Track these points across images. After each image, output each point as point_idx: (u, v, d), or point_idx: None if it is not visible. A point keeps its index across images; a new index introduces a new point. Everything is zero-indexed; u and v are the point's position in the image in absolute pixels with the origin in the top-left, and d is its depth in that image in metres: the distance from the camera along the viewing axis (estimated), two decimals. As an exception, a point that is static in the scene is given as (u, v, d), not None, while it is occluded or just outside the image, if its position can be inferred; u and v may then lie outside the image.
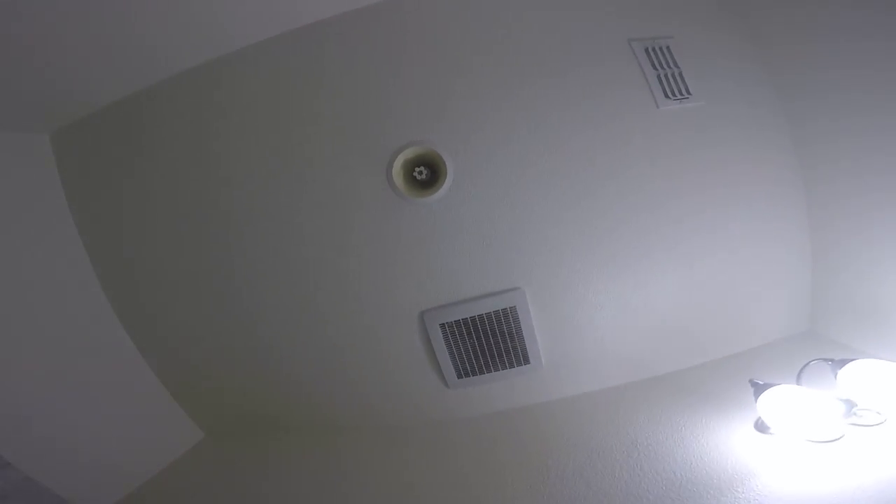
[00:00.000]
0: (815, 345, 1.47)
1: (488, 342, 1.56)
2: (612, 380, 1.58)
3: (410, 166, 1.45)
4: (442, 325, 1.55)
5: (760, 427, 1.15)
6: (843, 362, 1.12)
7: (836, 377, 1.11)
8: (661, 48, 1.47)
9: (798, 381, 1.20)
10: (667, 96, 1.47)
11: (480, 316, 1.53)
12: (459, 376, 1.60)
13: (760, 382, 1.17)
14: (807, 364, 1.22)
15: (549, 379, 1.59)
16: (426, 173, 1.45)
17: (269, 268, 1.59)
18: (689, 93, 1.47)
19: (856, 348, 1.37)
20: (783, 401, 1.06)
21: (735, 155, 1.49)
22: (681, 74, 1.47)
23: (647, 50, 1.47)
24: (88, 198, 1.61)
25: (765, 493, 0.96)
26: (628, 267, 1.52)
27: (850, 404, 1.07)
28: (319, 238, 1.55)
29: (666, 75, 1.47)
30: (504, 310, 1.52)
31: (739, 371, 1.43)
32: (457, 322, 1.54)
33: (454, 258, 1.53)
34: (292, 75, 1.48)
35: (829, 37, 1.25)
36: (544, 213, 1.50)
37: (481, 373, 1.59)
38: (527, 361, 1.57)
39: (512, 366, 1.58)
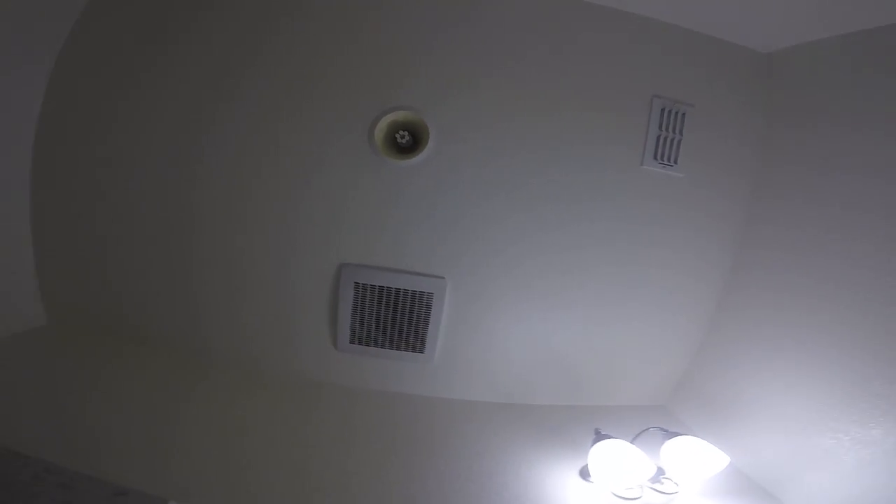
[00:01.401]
0: (664, 417, 1.64)
1: (394, 318, 1.59)
2: (491, 395, 1.67)
3: (396, 128, 1.45)
4: (357, 284, 1.56)
5: (583, 474, 1.27)
6: (671, 435, 1.26)
7: (661, 446, 1.26)
8: (677, 112, 1.53)
9: (633, 441, 1.35)
10: (654, 157, 1.55)
11: (398, 290, 1.56)
12: (352, 341, 1.62)
13: (602, 433, 1.29)
14: (646, 430, 1.37)
15: (436, 375, 1.66)
16: (408, 139, 1.45)
17: (218, 171, 1.52)
18: (675, 162, 1.55)
19: (690, 427, 1.56)
20: (608, 453, 1.19)
21: (682, 237, 1.62)
22: (679, 142, 1.54)
23: (663, 109, 1.53)
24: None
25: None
26: (542, 298, 1.62)
27: (660, 471, 1.22)
28: (283, 167, 1.52)
29: (666, 138, 1.54)
30: (422, 293, 1.56)
31: (597, 421, 1.57)
32: (373, 287, 1.56)
33: (399, 227, 1.54)
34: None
35: (823, 187, 1.35)
36: (493, 217, 1.56)
37: (375, 345, 1.63)
38: (421, 350, 1.63)
39: (407, 349, 1.63)
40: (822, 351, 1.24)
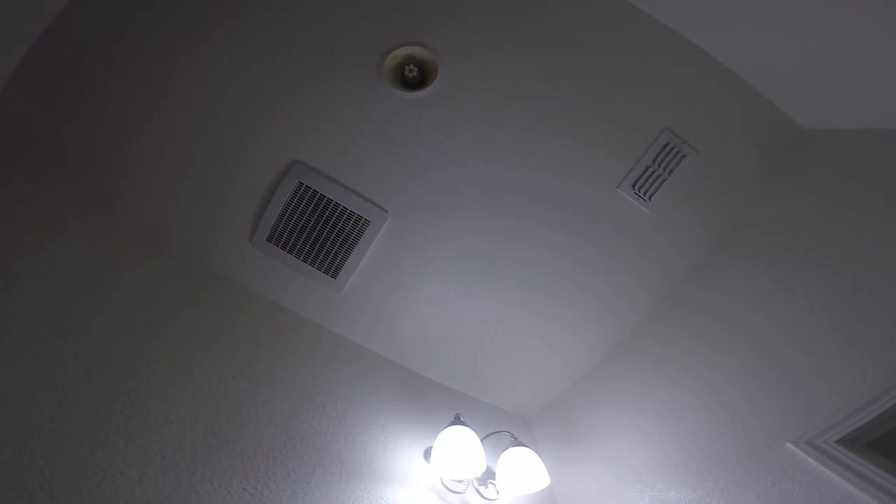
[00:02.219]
0: (523, 428, 1.73)
1: (321, 232, 1.49)
2: (383, 349, 1.66)
3: (409, 62, 1.38)
4: (300, 185, 1.44)
5: (427, 454, 1.30)
6: (516, 443, 1.31)
7: (504, 451, 1.31)
8: (678, 152, 1.44)
9: (483, 438, 1.39)
10: (632, 186, 1.47)
11: (338, 205, 1.46)
12: (269, 239, 1.49)
13: (461, 419, 1.31)
14: (498, 432, 1.42)
15: (338, 308, 1.60)
16: (416, 74, 1.39)
17: None
18: (649, 198, 1.48)
19: (539, 445, 1.68)
20: (453, 439, 1.22)
21: (617, 271, 1.60)
22: (663, 181, 1.47)
23: (666, 144, 1.43)
24: None
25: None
26: (468, 278, 1.58)
27: (489, 474, 1.28)
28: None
29: (653, 172, 1.46)
30: (360, 218, 1.48)
31: (466, 408, 1.62)
32: (315, 192, 1.45)
33: (369, 149, 1.44)
34: None
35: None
36: (459, 181, 1.48)
37: (290, 252, 1.51)
38: (334, 276, 1.54)
39: (321, 269, 1.53)
40: (659, 419, 1.35)
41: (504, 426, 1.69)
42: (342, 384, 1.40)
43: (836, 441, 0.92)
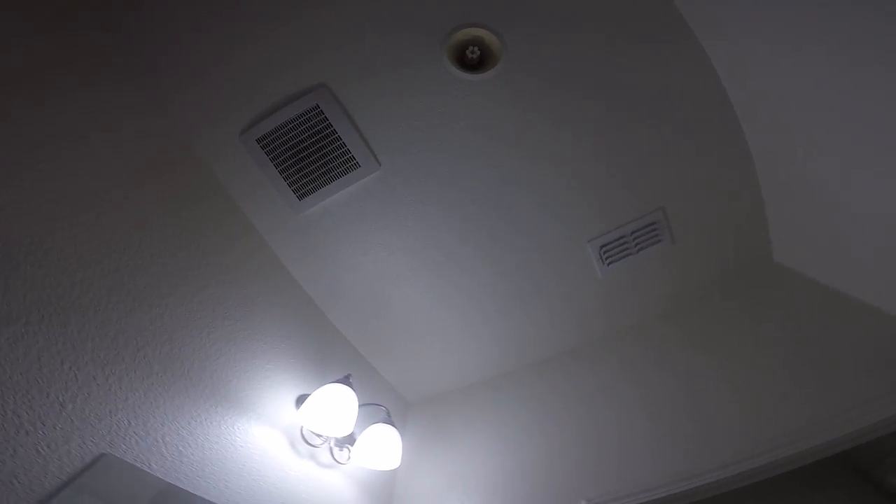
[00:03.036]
0: (403, 409, 1.80)
1: (310, 156, 1.38)
2: (315, 290, 1.61)
3: (475, 43, 1.29)
4: (315, 107, 1.32)
5: (298, 401, 1.30)
6: (387, 420, 1.36)
7: (373, 423, 1.35)
8: (657, 235, 1.49)
9: (361, 405, 1.43)
10: (601, 248, 1.52)
11: (339, 139, 1.37)
12: (259, 141, 1.36)
13: (349, 380, 1.32)
14: (377, 404, 1.47)
15: (289, 231, 1.50)
16: (476, 57, 1.31)
17: None
18: (608, 265, 1.54)
19: (409, 428, 1.75)
20: (329, 395, 1.23)
21: (541, 306, 1.66)
22: (628, 255, 1.52)
23: (653, 223, 1.47)
24: None
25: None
26: (426, 259, 1.57)
27: (350, 439, 1.32)
28: None
29: (625, 243, 1.51)
30: (353, 159, 1.39)
31: (360, 371, 1.63)
32: (325, 119, 1.35)
33: (400, 107, 1.35)
34: None
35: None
36: (462, 169, 1.42)
37: (272, 160, 1.38)
38: (301, 198, 1.43)
39: (291, 186, 1.41)
40: (506, 451, 1.44)
41: (385, 401, 1.75)
42: (252, 305, 1.33)
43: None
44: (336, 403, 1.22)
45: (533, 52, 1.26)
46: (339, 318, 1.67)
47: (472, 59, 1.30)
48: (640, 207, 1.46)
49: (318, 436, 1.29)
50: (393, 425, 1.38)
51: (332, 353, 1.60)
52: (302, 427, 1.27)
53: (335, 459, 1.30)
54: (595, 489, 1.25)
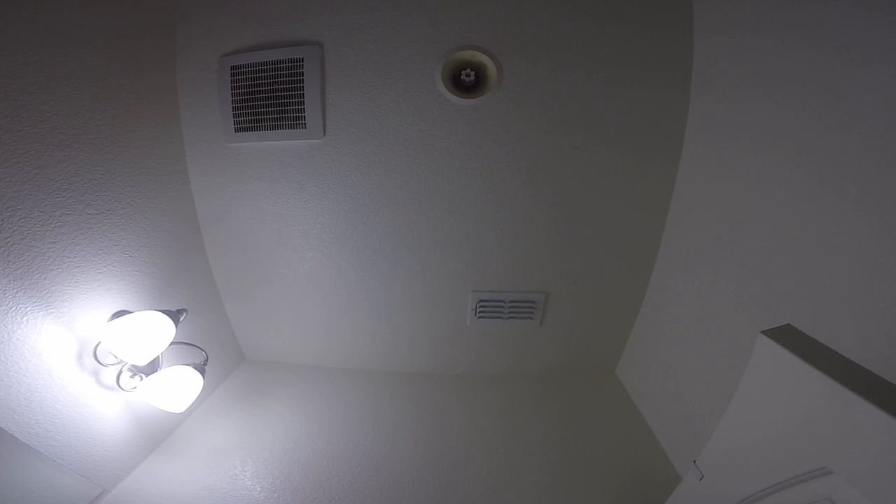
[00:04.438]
0: (232, 363, 1.72)
1: (270, 95, 1.34)
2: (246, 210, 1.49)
3: (465, 66, 1.33)
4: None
5: (114, 316, 1.17)
6: (198, 368, 1.29)
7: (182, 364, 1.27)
8: (530, 312, 1.62)
9: (179, 342, 1.33)
10: (478, 303, 1.59)
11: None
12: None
13: (180, 316, 1.21)
14: (199, 347, 1.38)
15: (217, 158, 1.41)
16: (472, 78, 1.34)
17: None
18: (477, 318, 1.63)
19: (224, 384, 1.67)
20: (148, 323, 1.12)
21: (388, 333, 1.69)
22: (496, 318, 1.63)
23: (535, 302, 1.56)
24: None
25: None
26: (331, 235, 1.54)
27: (146, 369, 1.22)
28: None
29: (501, 307, 1.61)
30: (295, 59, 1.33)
31: (202, 318, 1.51)
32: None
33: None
34: None
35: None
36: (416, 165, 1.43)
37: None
38: (224, 131, 1.33)
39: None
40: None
41: (220, 345, 1.65)
42: (128, 205, 1.22)
43: None
44: (148, 332, 1.12)
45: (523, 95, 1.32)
46: (214, 254, 1.54)
47: (467, 81, 1.33)
48: (531, 282, 1.55)
49: (115, 357, 1.17)
50: (202, 374, 1.31)
51: (187, 281, 1.47)
52: (99, 343, 1.14)
53: (118, 384, 1.19)
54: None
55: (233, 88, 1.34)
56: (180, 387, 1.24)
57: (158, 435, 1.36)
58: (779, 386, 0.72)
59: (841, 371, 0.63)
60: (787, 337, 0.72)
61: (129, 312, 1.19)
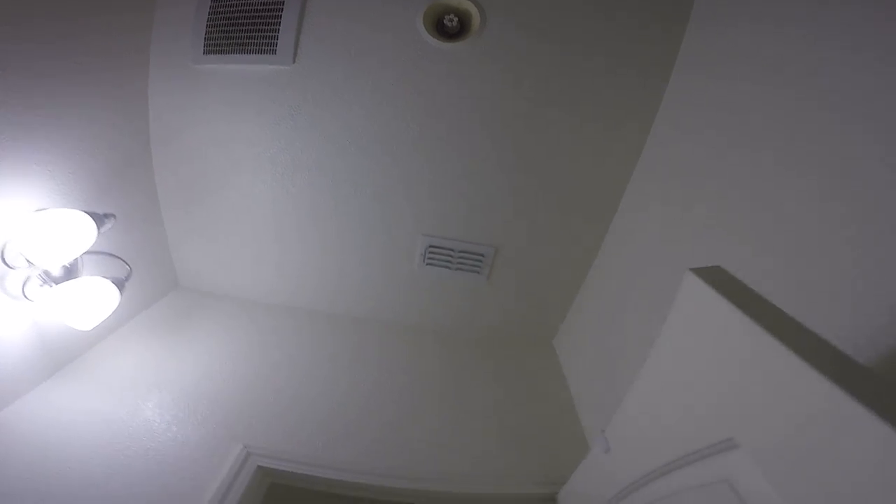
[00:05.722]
0: (164, 287, 1.63)
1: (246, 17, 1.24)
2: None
3: (450, 11, 1.27)
4: None
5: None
6: (118, 284, 1.21)
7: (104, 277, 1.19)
8: (479, 264, 1.51)
9: (103, 253, 1.26)
10: (428, 248, 1.48)
11: None
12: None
13: (107, 222, 1.13)
14: (124, 261, 1.30)
15: (180, 77, 1.27)
16: (455, 23, 1.28)
17: None
18: (426, 264, 1.52)
19: (150, 309, 1.60)
20: (71, 224, 1.02)
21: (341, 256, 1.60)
22: (444, 266, 1.53)
23: (483, 255, 1.48)
24: None
25: None
26: (301, 175, 1.41)
27: (60, 278, 1.16)
28: None
29: (451, 257, 1.50)
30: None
31: (141, 232, 1.44)
32: None
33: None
34: None
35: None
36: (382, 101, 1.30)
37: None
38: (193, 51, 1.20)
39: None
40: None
41: (153, 267, 1.57)
42: (80, 93, 1.11)
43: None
44: (64, 232, 1.03)
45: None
46: (161, 171, 1.45)
47: (450, 27, 1.24)
48: (482, 235, 1.45)
49: (27, 258, 1.11)
50: (120, 289, 1.23)
51: (126, 192, 1.37)
52: (7, 242, 1.07)
53: (23, 293, 1.13)
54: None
55: (210, 10, 1.26)
56: (92, 300, 1.15)
57: (62, 357, 1.27)
58: (699, 334, 0.59)
59: (771, 321, 0.48)
60: (716, 277, 0.56)
61: (49, 208, 1.11)
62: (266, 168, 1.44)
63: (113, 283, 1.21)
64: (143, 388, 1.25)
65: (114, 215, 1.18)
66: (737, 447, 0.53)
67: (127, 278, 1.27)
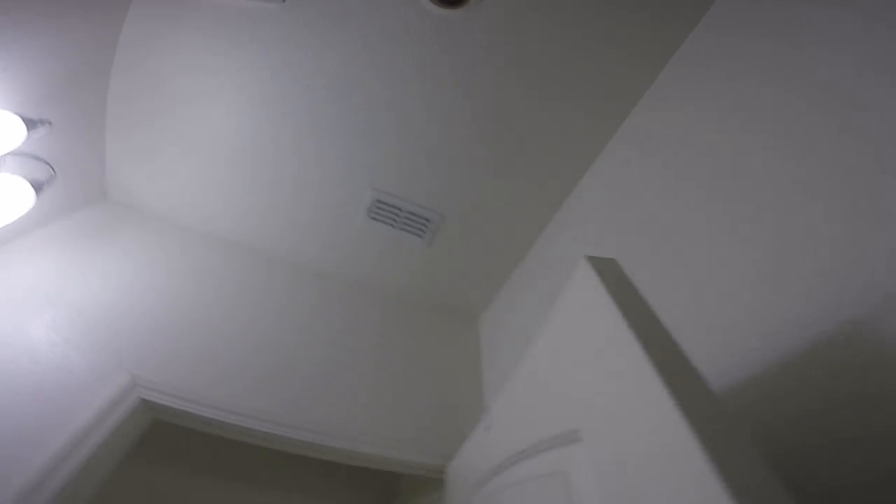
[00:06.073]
0: (94, 195, 1.49)
1: None
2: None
3: None
4: None
5: None
6: (36, 186, 1.10)
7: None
8: (423, 228, 1.46)
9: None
10: (376, 203, 1.42)
11: None
12: None
13: (40, 123, 1.01)
14: (47, 164, 1.19)
15: None
16: None
17: None
18: (372, 220, 1.46)
19: (84, 217, 1.48)
20: None
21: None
22: (390, 225, 1.47)
23: (428, 221, 1.43)
24: None
25: None
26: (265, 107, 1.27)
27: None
28: None
29: (397, 215, 1.44)
30: None
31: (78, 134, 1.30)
32: None
33: None
34: None
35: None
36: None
37: None
38: None
39: None
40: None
41: (76, 178, 1.44)
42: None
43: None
44: None
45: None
46: (120, 84, 1.31)
47: None
48: (432, 200, 1.40)
49: None
50: (37, 192, 1.13)
51: (75, 99, 1.22)
52: None
53: None
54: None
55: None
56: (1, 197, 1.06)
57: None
58: (576, 322, 0.56)
59: (639, 321, 0.44)
60: (606, 268, 0.53)
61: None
62: (231, 99, 1.33)
63: (31, 184, 1.11)
64: (37, 302, 1.13)
65: (49, 122, 1.06)
66: (580, 440, 0.52)
67: (48, 182, 1.17)
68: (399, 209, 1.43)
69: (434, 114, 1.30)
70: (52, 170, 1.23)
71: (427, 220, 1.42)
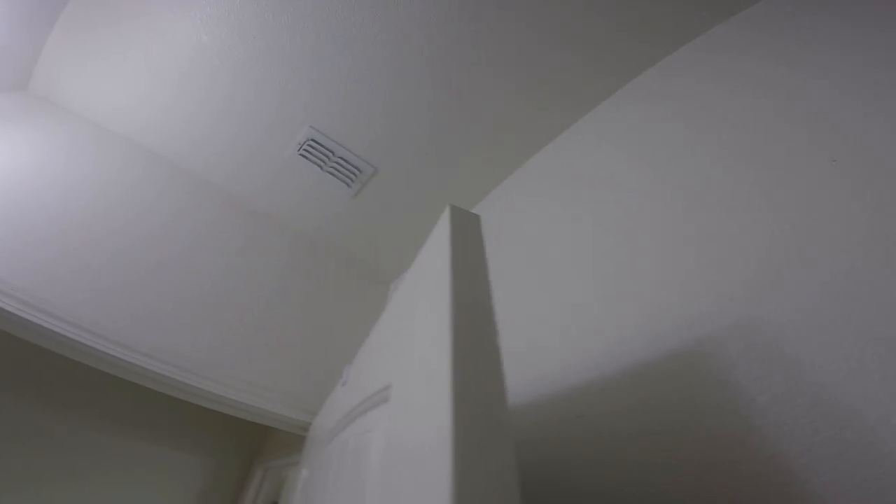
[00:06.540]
0: (23, 101, 1.31)
1: None
2: None
3: None
4: None
5: None
6: None
7: None
8: (358, 178, 1.38)
9: None
10: (307, 142, 1.32)
11: None
12: None
13: None
14: None
15: None
16: None
17: None
18: (298, 153, 1.36)
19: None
20: None
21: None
22: (320, 166, 1.37)
23: (358, 168, 1.35)
24: None
25: None
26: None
27: None
28: None
29: (327, 157, 1.35)
30: None
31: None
32: None
33: None
34: None
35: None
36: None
37: None
38: None
39: None
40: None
41: (4, 67, 1.22)
42: None
43: None
44: None
45: None
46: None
47: None
48: (368, 151, 1.32)
49: None
50: None
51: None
52: None
53: None
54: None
55: None
56: None
57: None
58: (421, 272, 0.51)
59: (463, 284, 0.39)
60: (463, 222, 0.47)
61: None
62: (193, 12, 1.15)
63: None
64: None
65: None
66: (389, 400, 0.47)
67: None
68: (331, 152, 1.33)
69: (393, 68, 1.18)
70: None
71: (358, 169, 1.33)
